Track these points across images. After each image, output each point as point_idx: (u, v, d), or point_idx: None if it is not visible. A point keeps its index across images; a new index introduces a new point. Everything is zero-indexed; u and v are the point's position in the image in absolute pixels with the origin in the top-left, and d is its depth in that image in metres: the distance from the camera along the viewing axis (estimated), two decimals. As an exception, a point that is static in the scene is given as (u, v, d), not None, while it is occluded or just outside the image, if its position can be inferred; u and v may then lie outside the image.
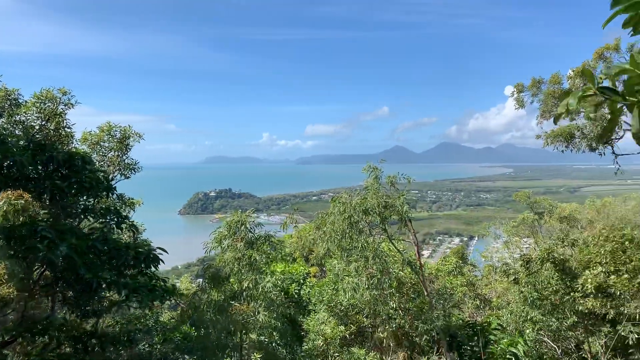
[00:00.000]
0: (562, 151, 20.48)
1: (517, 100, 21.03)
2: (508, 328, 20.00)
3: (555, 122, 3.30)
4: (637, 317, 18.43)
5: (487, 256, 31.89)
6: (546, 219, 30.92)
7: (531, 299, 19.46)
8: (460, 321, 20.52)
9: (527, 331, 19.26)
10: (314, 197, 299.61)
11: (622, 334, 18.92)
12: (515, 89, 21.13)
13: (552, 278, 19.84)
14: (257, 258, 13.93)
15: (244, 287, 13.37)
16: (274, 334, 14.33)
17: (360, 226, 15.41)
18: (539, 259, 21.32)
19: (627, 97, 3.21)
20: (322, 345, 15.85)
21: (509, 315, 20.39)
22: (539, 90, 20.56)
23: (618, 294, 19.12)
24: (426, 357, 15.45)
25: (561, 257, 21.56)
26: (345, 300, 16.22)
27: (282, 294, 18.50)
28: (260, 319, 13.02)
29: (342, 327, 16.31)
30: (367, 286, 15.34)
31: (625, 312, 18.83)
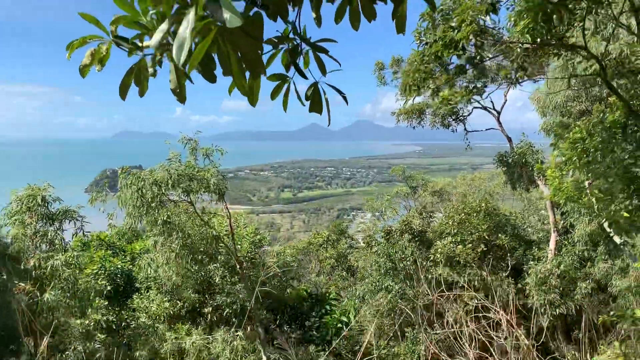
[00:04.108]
0: (414, 127, 21.36)
1: (379, 78, 21.53)
2: (365, 297, 20.80)
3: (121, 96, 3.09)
4: (475, 284, 19.83)
5: (364, 229, 32.93)
6: (420, 193, 32.39)
7: (385, 268, 20.35)
8: (305, 293, 21.06)
9: (382, 299, 20.12)
10: (230, 175, 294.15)
11: (465, 300, 20.28)
12: (375, 67, 21.57)
13: (407, 248, 20.81)
14: (51, 235, 13.29)
15: (31, 266, 12.68)
16: (73, 313, 13.74)
17: (149, 198, 14.62)
18: (398, 230, 22.31)
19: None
20: (149, 322, 15.60)
21: (368, 284, 21.23)
22: (399, 68, 21.16)
23: (462, 262, 20.50)
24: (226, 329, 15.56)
25: (419, 228, 22.70)
26: (143, 275, 15.94)
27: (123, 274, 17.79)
28: (47, 299, 12.41)
29: (166, 304, 16.08)
30: (165, 261, 15.06)
31: (468, 279, 20.19)
